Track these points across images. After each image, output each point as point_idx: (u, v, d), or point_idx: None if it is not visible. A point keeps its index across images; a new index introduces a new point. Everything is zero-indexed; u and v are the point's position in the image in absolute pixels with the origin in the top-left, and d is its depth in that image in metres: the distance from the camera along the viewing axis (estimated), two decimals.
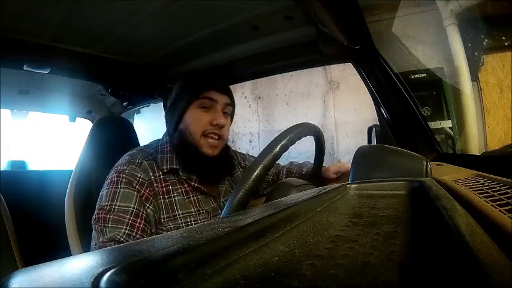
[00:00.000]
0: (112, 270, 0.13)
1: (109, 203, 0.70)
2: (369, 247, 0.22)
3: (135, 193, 0.72)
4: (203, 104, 0.79)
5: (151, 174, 0.76)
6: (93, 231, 0.71)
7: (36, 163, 2.38)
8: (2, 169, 1.92)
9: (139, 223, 0.70)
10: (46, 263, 0.15)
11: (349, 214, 0.33)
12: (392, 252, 0.21)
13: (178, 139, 0.81)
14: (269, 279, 0.17)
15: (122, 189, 0.71)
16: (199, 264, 0.16)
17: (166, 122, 0.85)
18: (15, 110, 1.64)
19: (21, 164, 2.21)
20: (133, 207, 0.70)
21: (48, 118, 2.17)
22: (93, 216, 0.71)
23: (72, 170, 0.99)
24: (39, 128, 2.70)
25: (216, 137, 0.80)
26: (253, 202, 0.87)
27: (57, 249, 0.71)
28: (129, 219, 0.69)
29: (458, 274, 0.16)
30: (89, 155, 0.99)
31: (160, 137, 0.87)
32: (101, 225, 0.69)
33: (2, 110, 1.57)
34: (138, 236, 0.69)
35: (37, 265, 0.15)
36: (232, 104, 0.85)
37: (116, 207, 0.70)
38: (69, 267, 0.15)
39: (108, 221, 0.68)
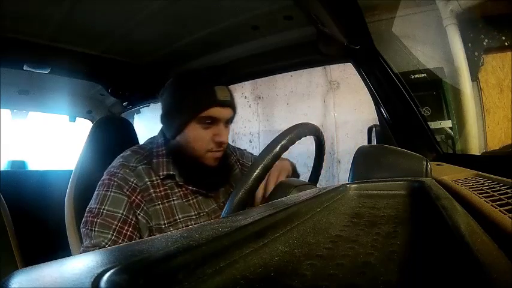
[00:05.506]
0: (112, 270, 0.13)
1: (98, 206, 0.68)
2: (369, 247, 0.22)
3: (126, 198, 0.69)
4: (204, 121, 0.74)
5: (147, 179, 0.73)
6: (82, 236, 0.69)
7: (36, 163, 2.38)
8: (2, 169, 1.92)
9: (127, 230, 0.68)
10: (46, 263, 0.15)
11: (349, 214, 0.33)
12: (392, 252, 0.21)
13: (177, 148, 0.77)
14: (269, 279, 0.17)
15: (112, 193, 0.69)
16: (199, 264, 0.16)
17: (163, 125, 0.81)
18: (15, 110, 1.64)
19: (21, 164, 2.21)
20: (122, 214, 0.68)
21: (48, 118, 2.17)
22: (83, 219, 0.70)
23: (72, 170, 0.99)
24: (39, 128, 2.70)
25: (219, 150, 0.77)
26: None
27: (57, 249, 0.71)
28: (117, 225, 0.67)
29: (458, 274, 0.16)
30: (88, 155, 0.99)
31: (154, 136, 0.83)
32: (88, 229, 0.67)
33: (2, 110, 1.57)
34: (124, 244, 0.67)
35: (37, 265, 0.15)
36: (234, 113, 0.79)
37: (104, 211, 0.68)
38: (69, 267, 0.15)
39: (95, 225, 0.67)
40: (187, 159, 0.76)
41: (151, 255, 0.15)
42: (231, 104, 0.77)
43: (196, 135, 0.74)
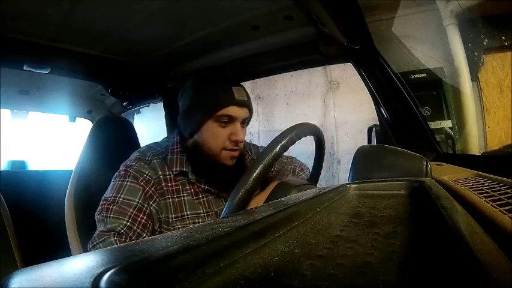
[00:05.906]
0: (112, 270, 0.13)
1: (113, 195, 0.70)
2: (369, 247, 0.22)
3: (141, 188, 0.72)
4: (221, 120, 0.75)
5: (160, 172, 0.75)
6: (96, 223, 0.70)
7: (36, 163, 2.38)
8: (2, 169, 1.92)
9: (142, 218, 0.70)
10: (46, 263, 0.15)
11: (349, 214, 0.33)
12: (392, 252, 0.21)
13: (193, 146, 0.79)
14: (269, 279, 0.17)
15: (128, 183, 0.72)
16: (199, 264, 0.16)
17: (180, 124, 0.82)
18: (15, 110, 1.64)
19: (21, 164, 2.21)
20: (138, 202, 0.70)
21: (48, 118, 2.17)
22: (98, 208, 0.71)
23: (72, 170, 0.99)
24: (39, 128, 2.70)
25: (235, 150, 0.78)
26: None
27: (57, 249, 0.71)
28: (132, 212, 0.69)
29: (458, 274, 0.16)
30: (88, 155, 0.99)
31: (170, 135, 0.84)
32: (103, 216, 0.69)
33: (2, 110, 1.57)
34: (138, 231, 0.68)
35: (37, 265, 0.15)
36: (251, 114, 0.80)
37: (120, 199, 0.70)
38: (69, 267, 0.15)
39: (111, 212, 0.68)
40: (203, 157, 0.78)
41: (151, 255, 0.15)
42: (247, 105, 0.78)
43: (213, 133, 0.76)
